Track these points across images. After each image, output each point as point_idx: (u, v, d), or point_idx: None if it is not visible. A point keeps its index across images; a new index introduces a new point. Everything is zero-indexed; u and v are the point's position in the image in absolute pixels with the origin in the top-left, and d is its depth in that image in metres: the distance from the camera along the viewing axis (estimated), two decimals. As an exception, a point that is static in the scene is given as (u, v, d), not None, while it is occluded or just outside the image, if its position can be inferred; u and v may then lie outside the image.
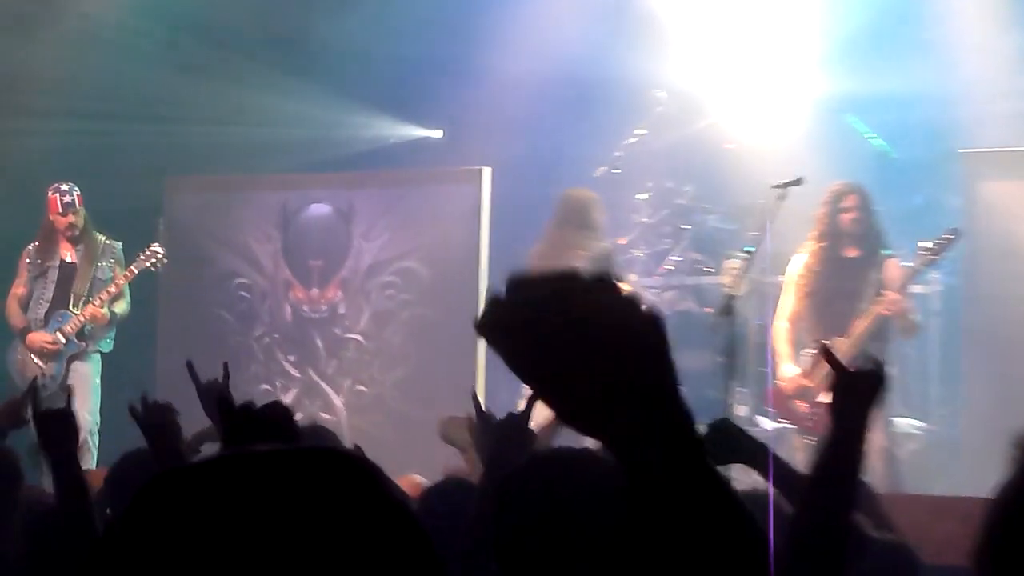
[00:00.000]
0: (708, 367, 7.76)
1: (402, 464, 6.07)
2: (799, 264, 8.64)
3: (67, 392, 5.47)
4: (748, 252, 8.19)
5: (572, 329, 1.29)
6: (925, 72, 9.76)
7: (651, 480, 1.30)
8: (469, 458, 4.92)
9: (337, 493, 1.26)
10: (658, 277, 10.30)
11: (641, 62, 10.36)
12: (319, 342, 10.64)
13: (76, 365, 9.57)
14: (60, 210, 9.61)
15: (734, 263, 8.64)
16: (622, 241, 10.24)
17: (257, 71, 11.14)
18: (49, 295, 9.65)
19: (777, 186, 8.00)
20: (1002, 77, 9.66)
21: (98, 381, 9.60)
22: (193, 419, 4.39)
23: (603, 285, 1.31)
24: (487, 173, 10.22)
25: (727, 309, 7.61)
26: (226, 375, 4.08)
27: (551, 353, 1.29)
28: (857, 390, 3.10)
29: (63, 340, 9.57)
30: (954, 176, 9.64)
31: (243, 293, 10.88)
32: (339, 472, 1.28)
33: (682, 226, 10.37)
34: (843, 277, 8.45)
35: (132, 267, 9.69)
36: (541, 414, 2.90)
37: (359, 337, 10.53)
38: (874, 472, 6.98)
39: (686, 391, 1.33)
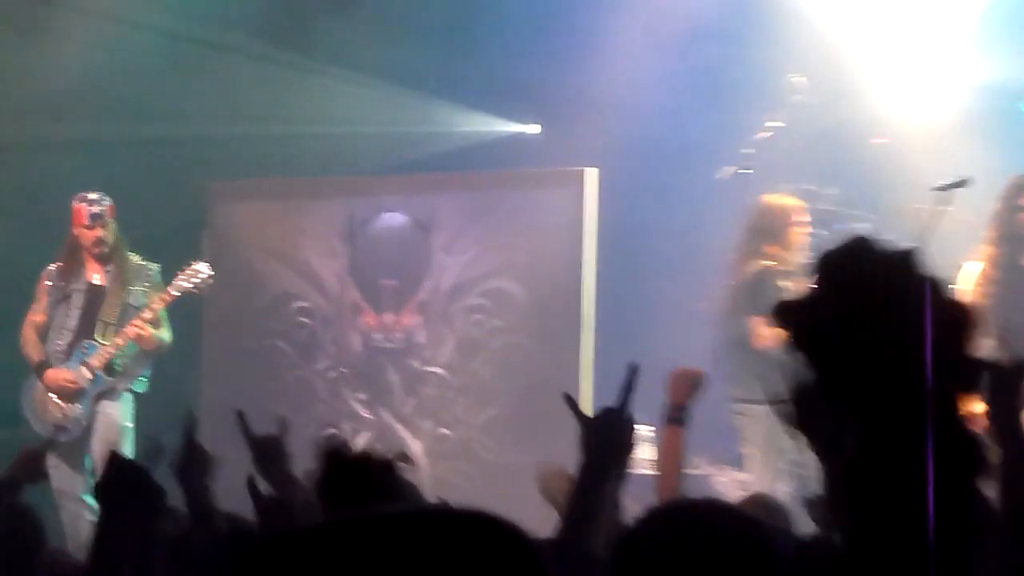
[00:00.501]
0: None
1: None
2: (973, 274, 8.27)
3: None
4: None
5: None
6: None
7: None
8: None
9: (495, 566, 1.38)
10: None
11: (775, 42, 10.05)
12: (394, 377, 10.45)
13: (103, 405, 9.03)
14: (87, 222, 9.04)
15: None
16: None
17: (318, 59, 11.03)
18: (73, 323, 9.09)
19: (939, 188, 8.08)
20: None
21: (129, 424, 9.04)
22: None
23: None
24: (592, 175, 9.93)
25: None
26: (284, 428, 4.21)
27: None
28: None
29: (88, 376, 8.99)
30: None
31: (303, 319, 10.73)
32: (495, 542, 1.39)
33: (826, 235, 9.84)
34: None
35: (170, 289, 9.09)
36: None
37: (441, 371, 10.32)
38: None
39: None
